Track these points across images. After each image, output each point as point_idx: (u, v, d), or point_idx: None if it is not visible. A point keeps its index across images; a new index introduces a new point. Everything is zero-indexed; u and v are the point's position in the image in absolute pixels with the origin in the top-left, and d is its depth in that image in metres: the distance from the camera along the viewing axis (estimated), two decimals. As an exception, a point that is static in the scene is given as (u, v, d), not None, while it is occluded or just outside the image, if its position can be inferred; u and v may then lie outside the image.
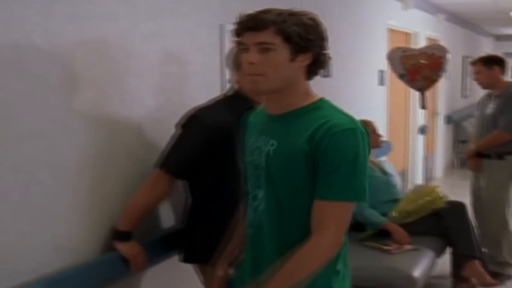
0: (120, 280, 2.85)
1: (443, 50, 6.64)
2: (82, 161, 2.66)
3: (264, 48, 2.00)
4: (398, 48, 6.67)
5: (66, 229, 2.59)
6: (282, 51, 2.00)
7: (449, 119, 10.65)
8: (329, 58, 2.13)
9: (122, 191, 2.87)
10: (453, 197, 5.11)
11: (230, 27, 3.59)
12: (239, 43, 2.06)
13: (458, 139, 11.21)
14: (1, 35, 2.24)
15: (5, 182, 2.29)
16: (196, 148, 2.81)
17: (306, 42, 2.02)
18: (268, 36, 1.99)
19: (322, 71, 2.16)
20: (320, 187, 2.02)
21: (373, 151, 5.15)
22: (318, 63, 2.09)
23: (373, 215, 4.71)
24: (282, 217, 2.10)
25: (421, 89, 6.71)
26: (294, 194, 2.07)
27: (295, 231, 2.08)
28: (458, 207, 4.90)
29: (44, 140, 2.45)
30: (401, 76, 6.57)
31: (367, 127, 5.20)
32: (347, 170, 2.00)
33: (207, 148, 2.79)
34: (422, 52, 6.64)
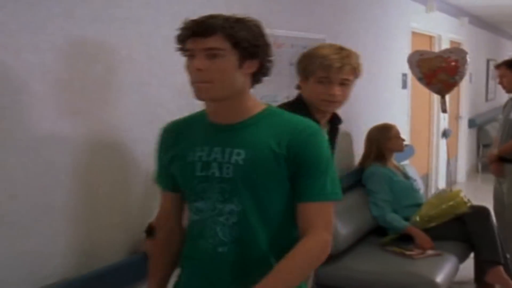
0: (142, 283, 2.84)
1: (459, 53, 6.59)
2: (102, 163, 2.66)
3: (212, 54, 1.94)
4: (416, 52, 6.63)
5: (87, 232, 2.59)
6: (230, 57, 1.95)
7: (472, 123, 10.56)
8: (273, 65, 2.11)
9: (144, 195, 2.87)
10: (476, 202, 5.06)
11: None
12: (182, 50, 2.00)
13: (481, 143, 11.12)
14: (24, 38, 2.24)
15: (28, 187, 2.30)
16: None
17: (254, 48, 1.99)
18: (216, 42, 1.94)
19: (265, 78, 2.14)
20: (306, 189, 2.04)
21: (395, 155, 5.13)
22: (263, 70, 2.08)
23: (395, 220, 4.69)
24: (269, 224, 2.07)
25: (439, 93, 6.68)
26: (275, 199, 2.06)
27: (283, 234, 2.09)
28: (482, 212, 4.85)
29: (65, 143, 2.46)
30: (420, 80, 6.54)
31: (391, 132, 5.18)
32: (326, 170, 2.06)
33: None
34: (438, 56, 6.60)
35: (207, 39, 1.94)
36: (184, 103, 3.09)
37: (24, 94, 2.26)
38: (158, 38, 2.91)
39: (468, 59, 6.58)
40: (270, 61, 2.08)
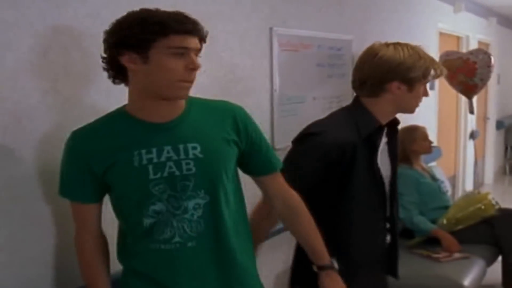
0: None
1: (478, 54, 6.55)
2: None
3: (197, 55, 2.00)
4: (445, 52, 6.61)
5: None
6: None
7: (500, 124, 10.45)
8: None
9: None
10: (503, 204, 5.02)
11: (280, 30, 3.61)
12: (172, 47, 1.93)
13: (509, 145, 11.02)
14: (50, 38, 2.25)
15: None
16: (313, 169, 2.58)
17: None
18: (199, 43, 2.00)
19: None
20: (266, 162, 2.29)
21: (423, 156, 5.09)
22: None
23: (422, 222, 4.65)
24: (231, 208, 2.14)
25: (463, 94, 6.65)
26: (233, 183, 2.17)
27: (238, 215, 2.19)
28: (510, 215, 4.80)
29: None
30: (446, 79, 6.53)
31: (416, 133, 5.12)
32: (267, 141, 2.32)
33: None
34: (458, 57, 6.58)
35: (196, 39, 1.98)
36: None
37: (52, 94, 2.26)
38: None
39: (492, 61, 6.52)
40: None
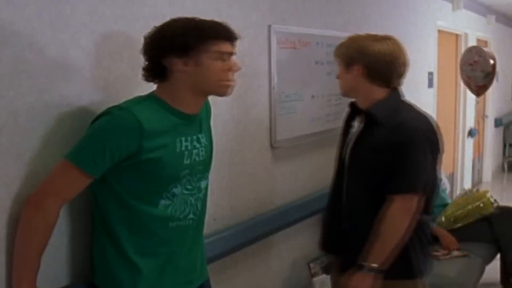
0: None
1: (481, 52, 6.63)
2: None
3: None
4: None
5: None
6: None
7: (498, 122, 10.45)
8: None
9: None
10: (502, 202, 5.02)
11: (278, 28, 3.60)
12: (210, 51, 2.23)
13: (507, 142, 11.02)
14: (47, 35, 2.24)
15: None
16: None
17: None
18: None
19: None
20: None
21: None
22: None
23: (421, 220, 4.64)
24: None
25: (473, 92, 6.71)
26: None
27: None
28: (509, 212, 4.80)
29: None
30: None
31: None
32: None
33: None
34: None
35: (234, 45, 2.32)
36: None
37: (49, 92, 2.25)
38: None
39: (491, 61, 6.58)
40: None
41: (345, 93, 2.99)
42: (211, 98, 2.51)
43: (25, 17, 2.14)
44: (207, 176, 2.47)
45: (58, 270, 2.33)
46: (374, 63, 2.82)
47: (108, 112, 2.18)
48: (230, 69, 2.28)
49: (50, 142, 2.24)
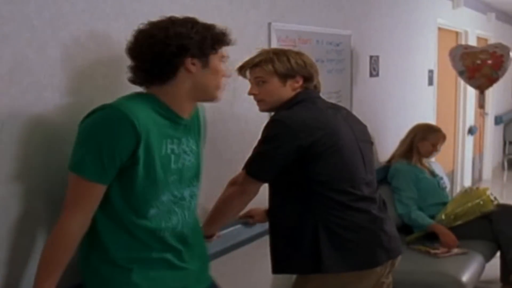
0: None
1: (505, 48, 6.55)
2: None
3: None
4: (460, 45, 6.59)
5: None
6: None
7: (498, 120, 10.45)
8: None
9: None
10: (502, 199, 5.03)
11: (278, 25, 3.59)
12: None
13: (507, 140, 11.02)
14: (47, 33, 2.24)
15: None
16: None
17: None
18: None
19: None
20: None
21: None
22: None
23: (420, 217, 4.65)
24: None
25: (479, 88, 6.65)
26: None
27: None
28: (509, 210, 4.80)
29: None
30: (461, 73, 6.50)
31: (429, 135, 5.08)
32: None
33: None
34: (483, 50, 6.57)
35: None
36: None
37: (48, 90, 2.25)
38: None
39: (511, 55, 6.55)
40: None
41: None
42: (209, 104, 2.50)
43: (25, 14, 2.14)
44: (197, 184, 2.35)
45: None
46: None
47: (101, 109, 2.07)
48: (224, 74, 2.31)
49: (51, 139, 2.24)
